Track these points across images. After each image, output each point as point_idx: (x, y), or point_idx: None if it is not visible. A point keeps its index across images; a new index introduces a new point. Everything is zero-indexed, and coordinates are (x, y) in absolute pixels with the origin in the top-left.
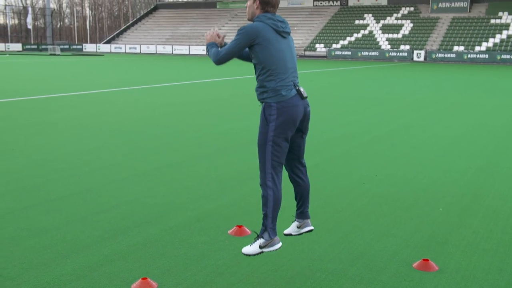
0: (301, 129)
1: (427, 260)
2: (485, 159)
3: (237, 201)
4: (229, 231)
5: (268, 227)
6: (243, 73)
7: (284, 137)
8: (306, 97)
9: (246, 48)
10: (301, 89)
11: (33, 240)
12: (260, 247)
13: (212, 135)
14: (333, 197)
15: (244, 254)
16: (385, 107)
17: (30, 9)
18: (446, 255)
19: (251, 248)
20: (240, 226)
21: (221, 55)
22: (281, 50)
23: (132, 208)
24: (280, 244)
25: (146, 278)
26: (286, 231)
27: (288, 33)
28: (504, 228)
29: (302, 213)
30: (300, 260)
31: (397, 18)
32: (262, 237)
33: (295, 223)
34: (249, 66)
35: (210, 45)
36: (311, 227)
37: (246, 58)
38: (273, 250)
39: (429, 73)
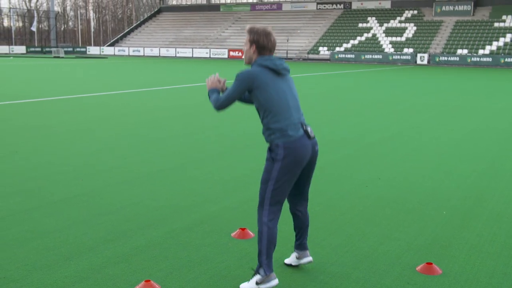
0: (309, 168)
1: (431, 263)
2: (488, 162)
3: (240, 204)
4: (232, 234)
5: (263, 263)
6: None
7: (288, 177)
8: (314, 137)
9: (246, 92)
10: (309, 129)
11: (37, 242)
12: (257, 283)
13: (215, 137)
14: (336, 200)
15: None
16: (388, 110)
17: (35, 13)
18: (450, 259)
19: (249, 285)
20: (243, 229)
21: (220, 101)
22: (282, 91)
23: (136, 210)
24: (276, 281)
25: (149, 281)
26: (287, 261)
27: (287, 70)
28: (508, 231)
29: (300, 245)
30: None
31: (400, 21)
32: (258, 273)
33: (294, 254)
34: None
35: (211, 91)
36: (310, 258)
37: (247, 101)
38: (270, 287)
39: (433, 76)
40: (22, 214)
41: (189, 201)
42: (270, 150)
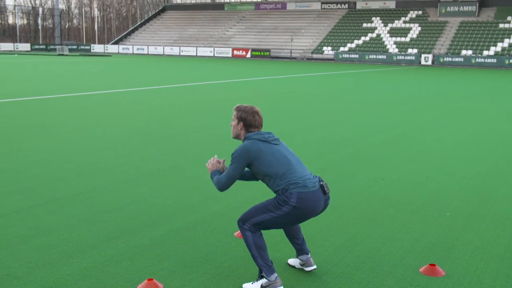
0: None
1: (434, 265)
2: (492, 164)
3: (244, 203)
4: (235, 233)
5: (262, 266)
6: (253, 75)
7: (290, 223)
8: (328, 192)
9: (246, 168)
10: (324, 184)
11: (40, 239)
12: (262, 287)
13: (220, 136)
14: (340, 200)
15: None
16: (392, 111)
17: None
18: (453, 260)
19: (252, 286)
20: None
21: (221, 183)
22: (279, 153)
23: (139, 208)
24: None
25: (152, 279)
26: (291, 262)
27: (278, 140)
28: (511, 233)
29: (301, 250)
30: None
31: (405, 22)
32: (264, 277)
33: (298, 260)
34: (261, 69)
35: (213, 174)
36: (314, 266)
37: (249, 177)
38: None
39: (437, 77)
40: (25, 212)
41: (192, 199)
42: (280, 195)
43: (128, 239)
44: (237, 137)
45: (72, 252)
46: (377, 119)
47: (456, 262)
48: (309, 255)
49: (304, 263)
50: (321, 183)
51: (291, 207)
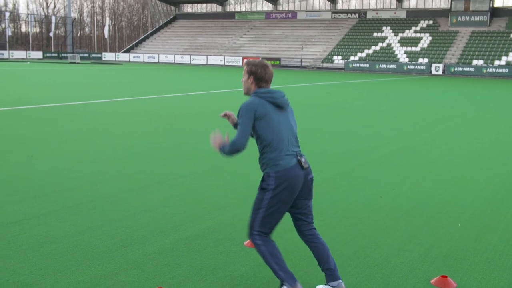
0: (304, 197)
1: (445, 276)
2: (504, 175)
3: None
4: (245, 243)
5: (282, 278)
6: None
7: (279, 207)
8: (307, 167)
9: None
10: (303, 160)
11: (50, 246)
12: None
13: None
14: (350, 211)
15: None
16: (403, 121)
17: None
18: (465, 272)
19: None
20: None
21: (237, 142)
22: (279, 122)
23: (148, 217)
24: None
25: None
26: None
27: (287, 104)
28: None
29: (331, 275)
30: (316, 273)
31: (415, 31)
32: (284, 286)
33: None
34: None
35: (222, 147)
36: None
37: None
38: None
39: (448, 87)
40: (37, 219)
41: (201, 208)
42: (262, 179)
43: (137, 248)
44: (248, 92)
45: (81, 260)
46: (387, 129)
47: (467, 274)
48: (342, 283)
49: None
50: (298, 158)
51: (271, 191)
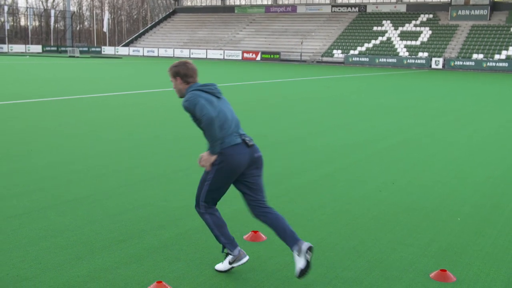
0: (253, 173)
1: (445, 270)
2: (504, 169)
3: None
4: (245, 237)
5: (225, 244)
6: (262, 78)
7: (224, 181)
8: (253, 145)
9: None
10: (247, 138)
11: (50, 241)
12: (230, 263)
13: None
14: (349, 205)
15: (216, 270)
16: (403, 115)
17: (52, 12)
18: (464, 266)
19: (223, 265)
20: (255, 232)
21: (206, 116)
22: (220, 109)
23: (148, 211)
24: (247, 257)
25: (161, 282)
26: (297, 266)
27: (221, 93)
28: None
29: (292, 240)
30: (315, 267)
31: (415, 25)
32: (230, 254)
33: (295, 253)
34: (271, 72)
35: (211, 151)
36: (310, 244)
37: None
38: (242, 264)
39: (448, 81)
40: (36, 213)
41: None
42: None
43: (137, 242)
44: (181, 93)
45: (81, 254)
46: (387, 123)
47: (467, 268)
48: (303, 243)
49: (300, 249)
50: (243, 137)
51: (217, 166)
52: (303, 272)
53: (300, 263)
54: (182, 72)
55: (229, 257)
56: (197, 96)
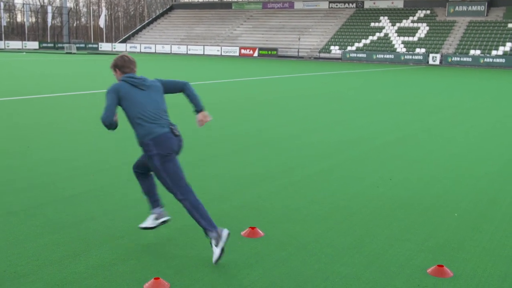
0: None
1: (442, 266)
2: (501, 165)
3: (250, 203)
4: (242, 233)
5: (205, 226)
6: (260, 74)
7: (171, 163)
8: (179, 135)
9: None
10: (174, 127)
11: (47, 237)
12: (216, 245)
13: (227, 136)
14: (347, 201)
15: (141, 228)
16: (400, 111)
17: (49, 8)
18: (461, 261)
19: (213, 250)
20: (253, 228)
21: (102, 117)
22: (142, 99)
23: (146, 207)
24: (226, 230)
25: (159, 278)
26: (142, 225)
27: (147, 86)
28: None
29: (155, 201)
30: (313, 263)
31: (413, 21)
32: (210, 237)
33: (152, 216)
34: (268, 68)
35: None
36: (168, 217)
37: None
38: (226, 240)
39: (445, 77)
40: (34, 210)
41: (199, 198)
42: (143, 150)
43: (135, 238)
44: None
45: (79, 250)
46: (385, 119)
47: (464, 263)
48: (164, 210)
49: (159, 215)
50: (171, 127)
51: (156, 156)
52: None
53: None
54: (120, 64)
55: (213, 241)
56: (112, 89)
